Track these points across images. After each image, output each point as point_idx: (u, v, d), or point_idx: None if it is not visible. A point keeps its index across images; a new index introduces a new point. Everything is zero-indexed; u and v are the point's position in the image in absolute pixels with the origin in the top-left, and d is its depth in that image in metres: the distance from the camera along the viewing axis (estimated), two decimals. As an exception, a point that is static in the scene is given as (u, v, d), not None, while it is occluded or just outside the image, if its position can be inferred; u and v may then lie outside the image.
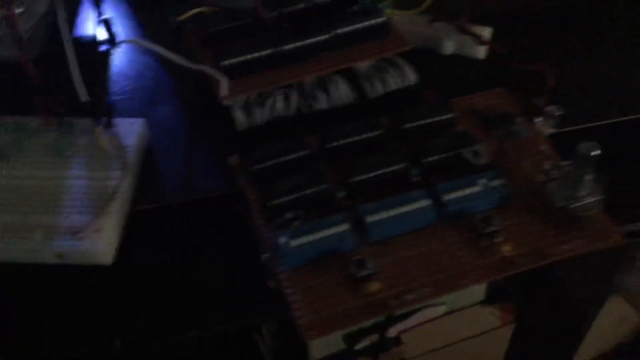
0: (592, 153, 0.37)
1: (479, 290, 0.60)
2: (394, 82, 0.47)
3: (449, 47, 0.52)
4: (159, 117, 0.48)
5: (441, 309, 0.59)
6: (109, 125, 0.43)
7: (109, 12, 0.57)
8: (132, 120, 0.45)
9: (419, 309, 0.58)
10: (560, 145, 0.43)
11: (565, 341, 0.77)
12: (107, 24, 0.42)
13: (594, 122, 0.47)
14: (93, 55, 0.46)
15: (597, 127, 0.47)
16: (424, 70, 0.51)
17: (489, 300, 0.61)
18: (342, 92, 0.46)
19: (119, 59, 0.52)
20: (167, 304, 0.40)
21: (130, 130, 0.44)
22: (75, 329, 0.38)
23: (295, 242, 0.37)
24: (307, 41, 0.45)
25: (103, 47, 0.47)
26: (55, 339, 0.38)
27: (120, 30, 0.55)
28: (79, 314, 0.39)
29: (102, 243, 0.39)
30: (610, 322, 0.72)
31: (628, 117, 0.48)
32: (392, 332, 0.58)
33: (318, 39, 0.45)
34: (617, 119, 0.48)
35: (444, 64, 0.53)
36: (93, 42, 0.44)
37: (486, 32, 0.51)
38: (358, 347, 0.51)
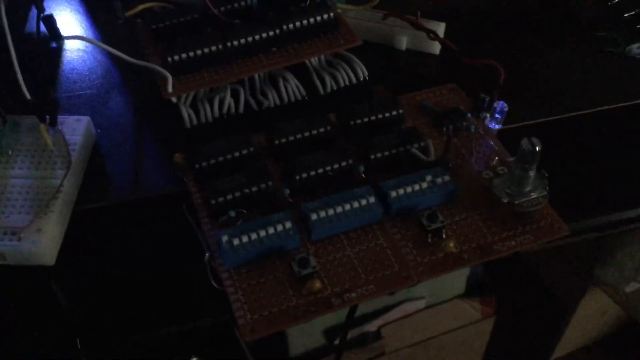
0: (535, 149, 0.37)
1: (459, 284, 0.60)
2: (344, 78, 0.47)
3: (403, 42, 0.52)
4: (107, 114, 0.47)
5: (421, 303, 0.59)
6: (53, 123, 0.42)
7: (60, 8, 0.56)
8: (78, 117, 0.44)
9: (398, 303, 0.58)
10: (509, 141, 0.43)
11: (547, 333, 0.77)
12: (49, 21, 0.41)
13: (540, 118, 0.47)
14: (38, 53, 0.45)
15: (545, 123, 0.47)
16: (379, 65, 0.51)
17: (469, 293, 0.61)
18: (291, 88, 0.46)
19: (69, 55, 0.52)
20: (113, 304, 0.39)
21: (76, 128, 0.44)
22: (29, 329, 0.38)
23: (236, 241, 0.36)
24: (256, 37, 0.45)
25: (48, 45, 0.46)
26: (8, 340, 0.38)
27: (71, 26, 0.54)
28: (28, 315, 0.39)
29: (43, 243, 0.38)
30: (590, 314, 0.74)
31: (572, 114, 0.48)
32: (372, 326, 0.58)
33: (266, 34, 0.45)
34: (562, 116, 0.48)
35: (399, 59, 0.52)
36: (37, 39, 0.43)
37: (440, 27, 0.51)
38: (337, 342, 0.50)
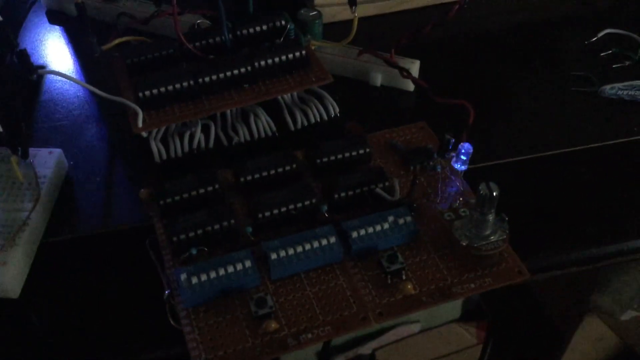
0: (493, 193, 0.37)
1: (454, 308, 0.60)
2: (315, 114, 0.47)
3: (377, 78, 0.52)
4: (81, 145, 0.48)
5: (416, 327, 0.59)
6: (25, 156, 0.43)
7: (40, 40, 0.57)
8: (50, 150, 0.45)
9: (393, 326, 0.58)
10: (478, 180, 0.43)
11: (543, 360, 0.77)
12: (23, 55, 0.42)
13: (512, 157, 0.48)
14: (10, 86, 0.46)
15: (515, 162, 0.48)
16: (353, 101, 0.51)
17: (464, 318, 0.61)
18: (262, 124, 0.46)
19: (49, 87, 0.52)
20: (76, 338, 0.39)
21: (47, 160, 0.44)
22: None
23: (195, 279, 0.37)
24: (227, 73, 0.45)
25: (24, 78, 0.47)
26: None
27: (51, 58, 0.55)
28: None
29: (7, 276, 0.39)
30: (587, 341, 0.73)
31: (542, 154, 0.48)
32: (366, 349, 0.58)
33: (238, 71, 0.45)
34: (532, 155, 0.48)
35: (373, 95, 0.53)
36: (12, 72, 0.44)
37: (414, 65, 0.52)
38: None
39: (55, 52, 0.56)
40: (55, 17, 0.59)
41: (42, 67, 0.54)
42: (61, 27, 0.58)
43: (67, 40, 0.57)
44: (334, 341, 0.54)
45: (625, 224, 0.45)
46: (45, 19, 0.59)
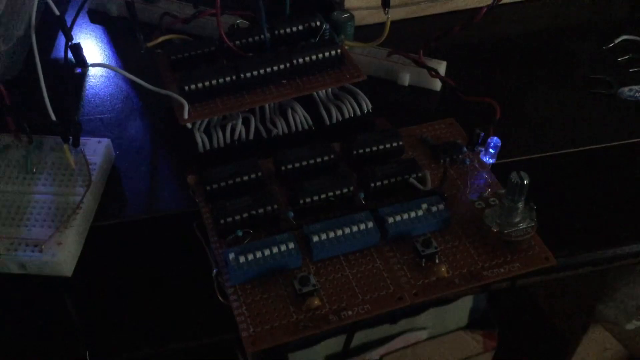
0: (523, 182, 0.39)
1: (461, 316, 0.62)
2: (349, 110, 0.50)
3: (406, 78, 0.55)
4: (126, 137, 0.51)
5: (423, 334, 0.60)
6: (76, 144, 0.45)
7: (86, 36, 0.60)
8: (99, 139, 0.47)
9: (401, 333, 0.59)
10: (503, 174, 0.45)
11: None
12: (77, 49, 0.44)
13: (533, 154, 0.50)
14: (64, 78, 0.48)
15: (537, 159, 0.50)
16: (382, 99, 0.54)
17: (471, 326, 0.63)
18: (299, 118, 0.49)
19: (92, 81, 0.55)
20: (124, 317, 0.41)
21: (97, 149, 0.47)
22: (41, 338, 0.40)
23: (242, 259, 0.39)
24: (267, 69, 0.48)
25: (74, 71, 0.49)
26: (20, 347, 0.40)
27: (95, 54, 0.58)
28: (43, 323, 0.41)
29: (62, 255, 0.41)
30: (592, 351, 0.74)
31: (563, 151, 0.51)
32: (374, 354, 0.59)
33: (277, 67, 0.48)
34: (554, 152, 0.50)
35: (401, 94, 0.55)
36: (65, 65, 0.46)
37: (441, 65, 0.54)
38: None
39: (97, 49, 0.59)
40: (97, 17, 0.62)
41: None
42: (102, 26, 0.61)
43: (108, 39, 0.60)
44: (338, 344, 0.56)
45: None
46: (87, 18, 0.61)
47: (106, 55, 0.58)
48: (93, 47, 0.59)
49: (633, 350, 0.74)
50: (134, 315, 0.41)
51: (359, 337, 0.59)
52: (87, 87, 0.55)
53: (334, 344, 0.58)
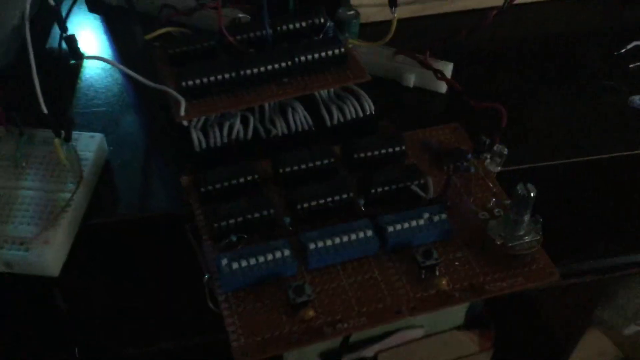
0: (530, 194, 0.38)
1: (458, 316, 0.61)
2: (351, 111, 0.48)
3: (411, 79, 0.53)
4: (120, 132, 0.49)
5: (419, 332, 0.59)
6: (67, 139, 0.44)
7: (82, 27, 0.58)
8: (92, 134, 0.46)
9: (397, 331, 0.59)
10: (508, 183, 0.44)
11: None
12: (71, 40, 0.43)
13: (541, 162, 0.49)
14: (57, 70, 0.47)
15: (545, 167, 0.49)
16: (386, 100, 0.52)
17: (468, 325, 0.62)
18: (299, 118, 0.47)
19: (87, 74, 0.53)
20: (113, 317, 0.40)
21: (89, 145, 0.45)
22: (28, 338, 0.39)
23: (235, 265, 0.38)
24: (268, 67, 0.46)
25: (68, 62, 0.48)
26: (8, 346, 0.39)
27: (92, 45, 0.56)
28: (29, 323, 0.40)
29: (49, 255, 0.40)
30: (589, 355, 0.73)
31: (571, 160, 0.49)
32: (369, 351, 0.58)
33: (279, 65, 0.46)
34: (562, 161, 0.49)
35: (406, 96, 0.54)
36: (58, 56, 0.45)
37: (447, 67, 0.53)
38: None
39: (94, 40, 0.57)
40: (95, 6, 0.60)
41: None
42: (100, 16, 0.59)
43: (106, 29, 0.58)
44: (334, 343, 0.55)
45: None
46: (84, 7, 0.60)
47: (104, 46, 0.56)
48: (90, 37, 0.57)
49: (630, 355, 0.74)
50: (122, 315, 0.40)
51: (355, 334, 0.58)
52: (82, 79, 0.53)
53: (330, 342, 0.56)
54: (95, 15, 0.59)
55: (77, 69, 0.53)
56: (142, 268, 0.42)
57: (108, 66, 0.54)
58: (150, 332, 0.40)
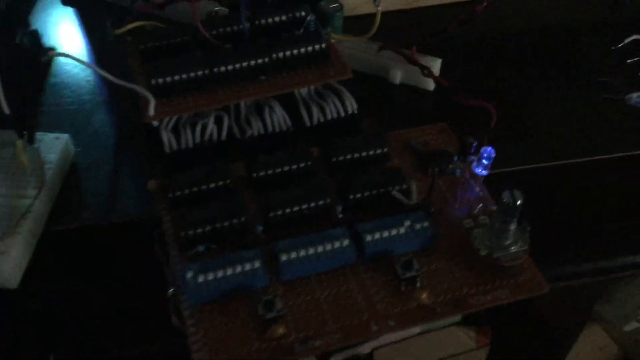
0: (517, 202, 0.35)
1: None
2: (332, 110, 0.46)
3: (397, 76, 0.51)
4: (89, 131, 0.47)
5: (416, 328, 0.57)
6: (31, 140, 0.42)
7: (55, 21, 0.56)
8: (57, 135, 0.44)
9: None
10: (498, 185, 0.42)
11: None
12: (34, 35, 0.40)
13: (532, 164, 0.46)
14: (24, 67, 0.44)
15: (537, 169, 0.46)
16: (371, 98, 0.50)
17: (465, 321, 0.60)
18: (277, 118, 0.45)
19: (60, 70, 0.51)
20: (74, 331, 0.38)
21: (54, 146, 0.43)
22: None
23: (201, 278, 0.35)
24: (244, 64, 0.43)
25: (34, 60, 0.45)
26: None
27: (65, 40, 0.54)
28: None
29: (7, 266, 0.37)
30: (588, 351, 0.72)
31: (564, 162, 0.47)
32: (365, 348, 0.57)
33: (255, 62, 0.44)
34: (554, 163, 0.47)
35: (392, 93, 0.51)
36: (21, 53, 0.42)
37: (435, 63, 0.50)
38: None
39: (67, 34, 0.55)
40: (68, -2, 0.58)
41: (53, 48, 0.52)
42: (74, 9, 0.57)
43: (79, 22, 0.56)
44: None
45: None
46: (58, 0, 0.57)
47: (75, 41, 0.54)
48: (62, 31, 0.55)
49: (630, 352, 0.72)
50: (84, 328, 0.38)
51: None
52: (53, 76, 0.50)
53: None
54: (69, 8, 0.57)
55: (47, 65, 0.51)
56: (108, 277, 0.40)
57: (76, 64, 0.51)
58: (116, 343, 0.38)
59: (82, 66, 0.51)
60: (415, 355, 0.60)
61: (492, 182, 0.42)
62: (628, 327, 0.65)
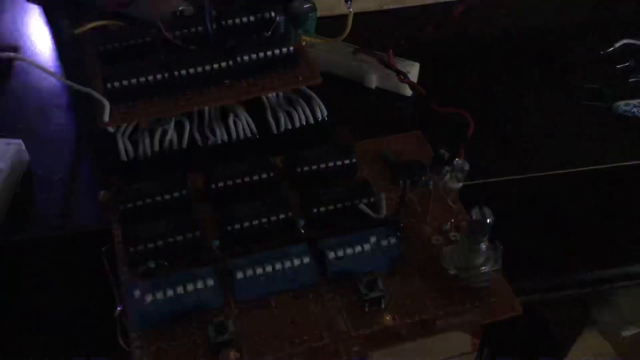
0: (487, 220, 0.33)
1: None
2: (301, 117, 0.43)
3: (372, 80, 0.48)
4: (45, 138, 0.44)
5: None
6: (-21, 146, 0.39)
7: (20, 19, 0.53)
8: (8, 141, 0.41)
9: None
10: (474, 198, 0.39)
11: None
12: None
13: (512, 175, 0.44)
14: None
15: (515, 180, 0.44)
16: (345, 103, 0.48)
17: None
18: (242, 125, 0.42)
19: (22, 71, 0.49)
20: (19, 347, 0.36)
21: (5, 153, 0.41)
22: None
23: (150, 298, 0.33)
24: (206, 67, 0.41)
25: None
26: None
27: (28, 38, 0.52)
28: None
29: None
30: (585, 356, 0.69)
31: (545, 173, 0.44)
32: None
33: (219, 65, 0.41)
34: (534, 174, 0.44)
35: (367, 98, 0.49)
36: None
37: (413, 67, 0.48)
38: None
39: (30, 33, 0.52)
40: (33, -5, 0.55)
41: (15, 48, 0.50)
42: (40, 7, 0.54)
43: (44, 21, 0.53)
44: None
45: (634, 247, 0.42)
46: (22, -4, 0.55)
47: (39, 40, 0.51)
48: (25, 30, 0.52)
49: (628, 357, 0.70)
50: (29, 344, 0.36)
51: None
52: (11, 77, 0.48)
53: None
54: (33, 5, 0.54)
55: (7, 66, 0.48)
56: (58, 292, 0.38)
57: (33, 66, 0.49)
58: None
59: (39, 69, 0.48)
60: (411, 357, 0.59)
61: (469, 195, 0.40)
62: (626, 332, 0.64)
